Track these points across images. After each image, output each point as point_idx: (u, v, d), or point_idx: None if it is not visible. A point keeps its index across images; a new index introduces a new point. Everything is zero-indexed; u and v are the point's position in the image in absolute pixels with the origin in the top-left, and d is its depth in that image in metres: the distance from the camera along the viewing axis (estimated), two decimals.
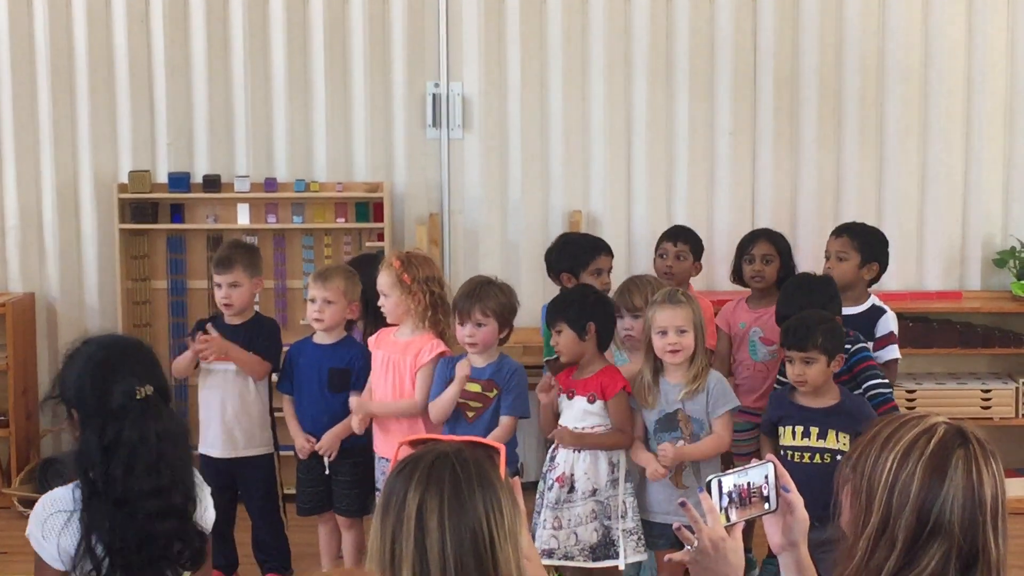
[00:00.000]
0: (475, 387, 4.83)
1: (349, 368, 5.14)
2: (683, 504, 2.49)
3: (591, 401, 4.70)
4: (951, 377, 6.47)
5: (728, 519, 2.46)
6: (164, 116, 6.64)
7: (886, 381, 4.88)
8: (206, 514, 3.22)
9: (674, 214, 6.56)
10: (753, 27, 6.55)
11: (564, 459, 4.71)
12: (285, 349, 5.37)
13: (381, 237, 6.45)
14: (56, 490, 3.14)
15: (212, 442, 5.29)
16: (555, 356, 4.99)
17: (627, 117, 6.58)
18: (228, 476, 5.28)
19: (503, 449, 2.40)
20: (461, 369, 4.79)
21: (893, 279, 6.40)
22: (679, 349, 4.59)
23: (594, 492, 4.68)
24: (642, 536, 4.69)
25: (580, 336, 4.71)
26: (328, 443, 5.13)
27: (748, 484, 2.48)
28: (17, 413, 6.40)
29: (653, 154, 6.59)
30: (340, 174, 6.61)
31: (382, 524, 2.21)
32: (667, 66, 6.57)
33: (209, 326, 5.22)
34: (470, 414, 4.82)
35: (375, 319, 5.23)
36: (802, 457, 4.60)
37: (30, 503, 3.18)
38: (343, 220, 6.55)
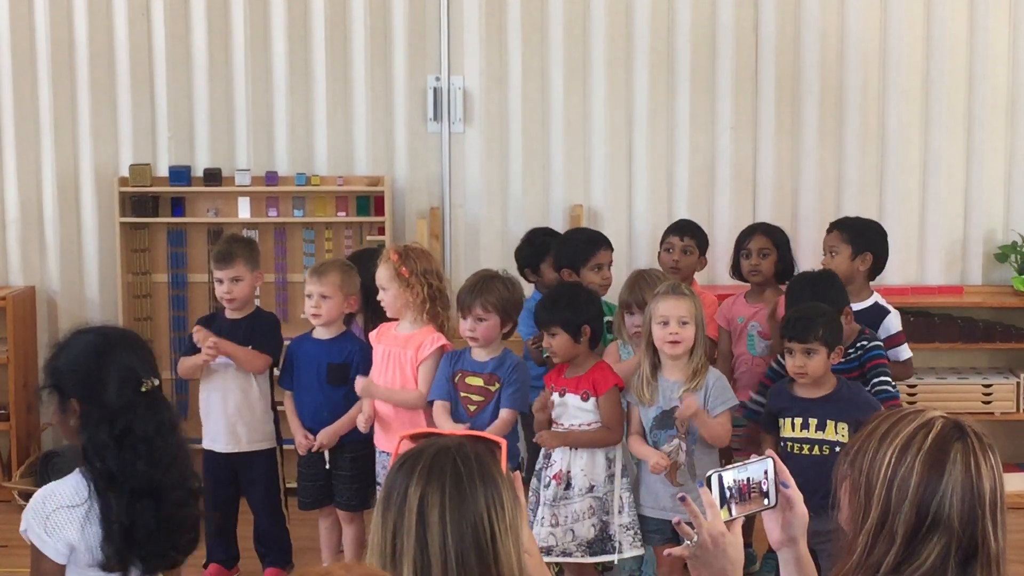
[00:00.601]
0: (477, 381, 4.83)
1: (348, 363, 5.14)
2: (683, 499, 2.49)
3: (584, 399, 4.70)
4: (952, 372, 6.47)
5: (728, 514, 2.46)
6: (165, 109, 6.63)
7: (891, 379, 4.90)
8: None
9: (675, 208, 6.55)
10: (754, 21, 6.54)
11: (561, 456, 4.71)
12: (286, 344, 5.38)
13: (382, 231, 6.45)
14: (54, 484, 3.13)
15: (215, 437, 5.29)
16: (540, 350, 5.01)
17: (628, 111, 6.58)
18: (230, 471, 5.29)
19: (504, 443, 2.41)
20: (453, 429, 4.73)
21: (894, 274, 6.40)
22: (680, 340, 4.58)
23: (591, 488, 4.68)
24: (639, 531, 4.69)
25: (575, 339, 4.71)
26: (326, 440, 5.13)
27: (748, 479, 2.48)
28: (18, 406, 6.40)
29: (654, 148, 6.59)
30: (341, 168, 6.61)
31: (383, 518, 2.21)
32: (668, 60, 6.57)
33: (198, 328, 5.21)
34: (472, 408, 4.83)
35: (375, 313, 5.23)
36: (801, 449, 4.63)
37: (31, 497, 3.17)
38: (344, 214, 6.55)
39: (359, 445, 5.15)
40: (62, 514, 3.05)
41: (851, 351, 4.86)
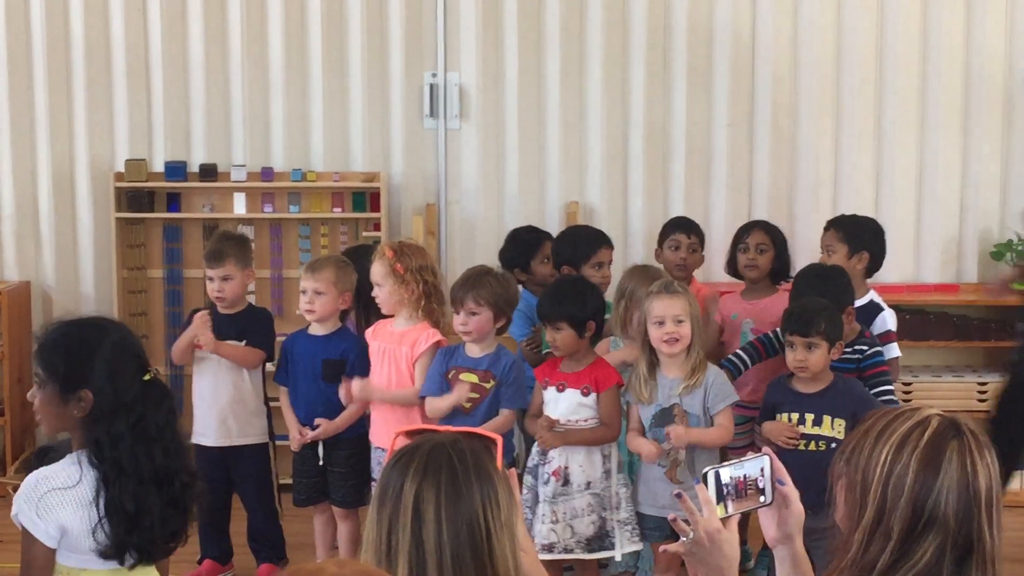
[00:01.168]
0: (472, 378, 4.82)
1: (343, 359, 5.13)
2: (679, 495, 2.49)
3: (585, 394, 4.70)
4: (947, 370, 6.48)
5: (724, 511, 2.46)
6: (161, 105, 6.63)
7: (892, 388, 4.92)
8: None
9: (671, 206, 6.55)
10: (751, 19, 6.55)
11: (558, 453, 4.71)
12: (280, 339, 5.37)
13: (378, 227, 6.45)
14: (46, 468, 3.14)
15: (205, 431, 5.28)
16: (537, 348, 5.01)
17: (624, 109, 6.58)
18: (222, 466, 5.28)
19: (500, 440, 2.40)
20: (461, 389, 4.77)
21: (890, 272, 6.40)
22: (677, 339, 4.58)
23: (589, 485, 4.68)
24: (636, 526, 4.70)
25: (580, 334, 4.71)
26: (328, 432, 5.12)
27: (744, 476, 2.48)
28: (12, 402, 6.40)
29: (650, 146, 6.59)
30: (337, 164, 6.61)
31: (378, 514, 2.20)
32: (664, 58, 6.57)
33: (206, 313, 5.21)
34: (467, 405, 4.82)
35: (367, 310, 5.23)
36: (796, 444, 4.62)
37: None
38: (340, 210, 6.55)
39: (355, 441, 5.15)
40: (54, 496, 3.06)
41: (849, 351, 4.85)
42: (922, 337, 6.28)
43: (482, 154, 6.62)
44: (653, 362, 4.67)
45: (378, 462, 5.03)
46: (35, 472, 3.14)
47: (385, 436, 4.95)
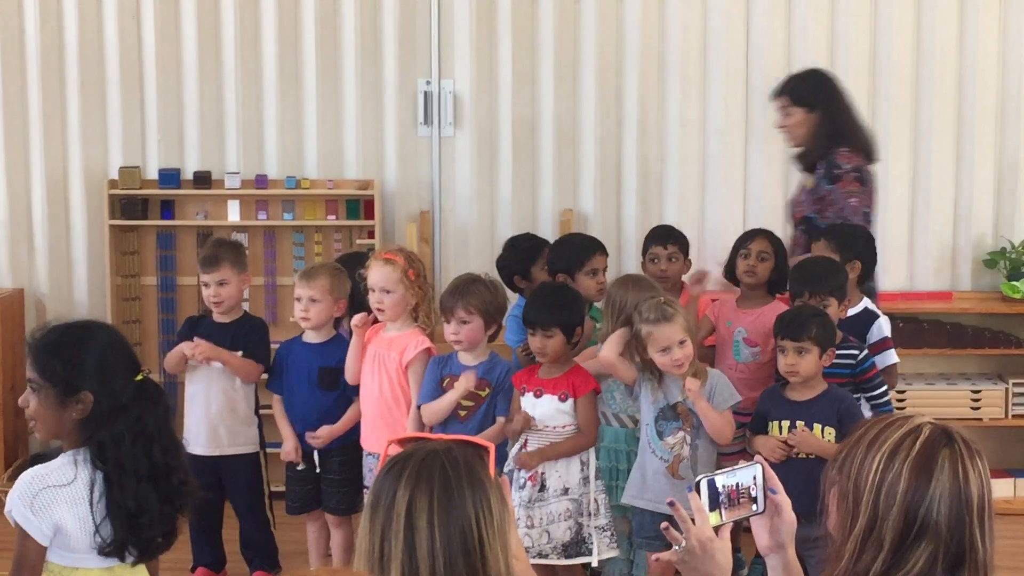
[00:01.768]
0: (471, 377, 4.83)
1: (339, 367, 5.12)
2: (671, 503, 2.49)
3: (563, 399, 4.70)
4: (941, 378, 6.47)
5: (717, 519, 2.46)
6: (155, 112, 6.62)
7: (886, 390, 4.93)
8: None
9: (664, 213, 6.56)
10: (745, 26, 6.55)
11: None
12: (274, 347, 5.37)
13: (372, 235, 6.45)
14: (40, 467, 3.19)
15: (196, 439, 5.25)
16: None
17: (618, 116, 6.58)
18: (213, 474, 5.26)
19: (492, 448, 2.40)
20: (465, 381, 4.77)
21: (884, 279, 6.40)
22: (683, 361, 4.60)
23: (566, 491, 4.68)
24: (615, 532, 4.71)
25: (569, 340, 4.72)
26: (327, 437, 5.12)
27: (737, 485, 2.49)
28: (5, 409, 6.38)
29: (644, 153, 6.59)
30: (331, 171, 6.61)
31: (371, 522, 2.20)
32: (658, 65, 6.58)
33: (197, 340, 5.19)
34: (462, 413, 4.82)
35: None
36: (783, 455, 4.62)
37: None
38: (334, 217, 6.55)
39: (348, 449, 5.15)
40: (49, 493, 3.11)
41: (841, 355, 4.85)
42: (916, 345, 6.28)
43: (476, 162, 6.62)
44: (657, 374, 4.67)
45: (369, 468, 5.03)
46: (30, 470, 3.20)
47: (375, 441, 4.96)
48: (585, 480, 4.72)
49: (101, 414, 3.12)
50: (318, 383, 5.15)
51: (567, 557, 4.69)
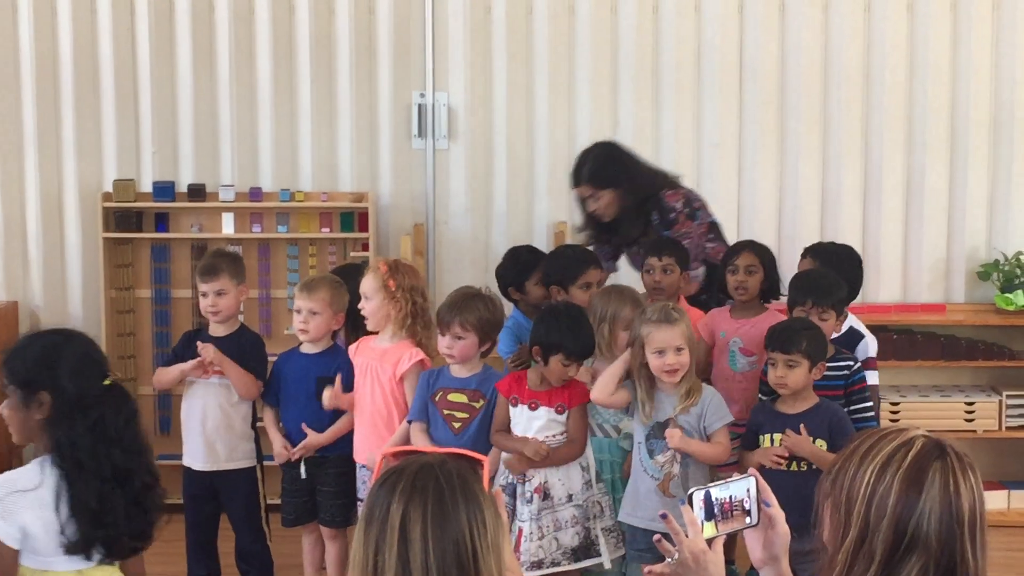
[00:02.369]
0: (461, 397, 4.82)
1: (337, 377, 5.12)
2: (664, 516, 2.49)
3: (559, 412, 4.71)
4: (935, 390, 6.48)
5: (710, 532, 2.47)
6: (149, 125, 6.63)
7: (871, 405, 4.93)
8: None
9: None
10: (739, 39, 6.57)
11: (538, 470, 4.72)
12: (271, 360, 5.36)
13: (366, 247, 6.45)
14: (11, 472, 3.29)
15: (193, 454, 5.26)
16: (525, 365, 4.99)
17: (612, 128, 6.59)
18: (210, 488, 5.26)
19: (487, 461, 2.41)
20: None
21: (878, 291, 6.43)
22: (677, 368, 4.59)
23: (571, 498, 4.70)
24: (621, 532, 4.74)
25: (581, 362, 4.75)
26: (316, 444, 5.12)
27: (730, 497, 2.49)
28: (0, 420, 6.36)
29: None
30: (325, 184, 6.61)
31: (365, 535, 2.20)
32: (653, 77, 6.59)
33: (202, 345, 5.18)
34: (456, 425, 4.82)
35: (355, 328, 5.23)
36: (778, 464, 4.63)
37: None
38: (328, 230, 6.55)
39: (343, 460, 5.14)
40: (15, 498, 3.19)
41: (833, 368, 4.85)
42: (909, 357, 6.29)
43: (470, 174, 6.63)
44: (651, 379, 4.67)
45: (362, 481, 5.03)
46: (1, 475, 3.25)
47: (367, 454, 4.96)
48: (588, 484, 4.73)
49: (61, 414, 3.21)
50: (316, 394, 5.14)
51: (577, 560, 4.70)
